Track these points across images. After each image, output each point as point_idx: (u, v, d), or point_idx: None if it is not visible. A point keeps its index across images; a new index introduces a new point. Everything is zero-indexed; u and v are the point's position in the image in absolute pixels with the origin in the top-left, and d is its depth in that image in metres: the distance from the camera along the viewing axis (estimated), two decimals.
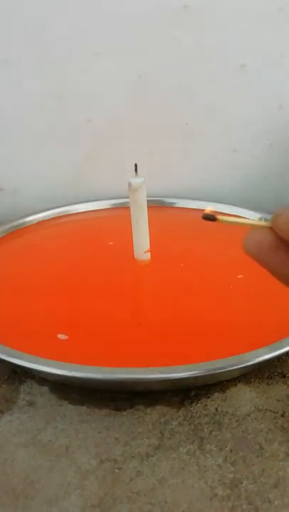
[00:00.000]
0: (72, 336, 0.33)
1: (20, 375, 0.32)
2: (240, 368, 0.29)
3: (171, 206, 0.55)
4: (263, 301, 0.37)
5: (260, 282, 0.39)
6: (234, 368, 0.28)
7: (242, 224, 0.20)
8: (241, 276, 0.39)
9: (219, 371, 0.28)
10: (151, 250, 0.41)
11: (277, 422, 0.28)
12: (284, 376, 0.32)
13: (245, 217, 0.16)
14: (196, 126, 0.55)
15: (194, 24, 0.52)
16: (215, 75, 0.52)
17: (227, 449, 0.27)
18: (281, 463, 0.26)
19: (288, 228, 0.17)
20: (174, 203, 0.55)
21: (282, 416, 0.29)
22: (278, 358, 0.32)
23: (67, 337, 0.33)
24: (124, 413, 0.29)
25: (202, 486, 0.25)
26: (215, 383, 0.31)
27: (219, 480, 0.25)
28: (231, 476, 0.25)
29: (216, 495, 0.24)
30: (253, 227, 0.19)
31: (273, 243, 0.18)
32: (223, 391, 0.31)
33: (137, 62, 0.53)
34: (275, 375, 0.32)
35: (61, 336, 0.33)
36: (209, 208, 0.22)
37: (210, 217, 0.21)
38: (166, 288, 0.39)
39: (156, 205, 0.55)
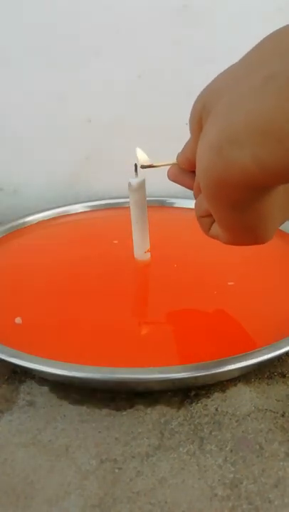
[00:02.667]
0: (71, 336, 0.34)
1: (20, 375, 0.32)
2: (240, 367, 0.29)
3: (171, 206, 0.55)
4: (263, 300, 0.37)
5: (260, 282, 0.40)
6: (234, 367, 0.28)
7: (167, 164, 0.32)
8: (232, 283, 0.39)
9: (219, 371, 0.28)
10: (151, 250, 0.41)
11: (277, 422, 0.28)
12: (284, 376, 0.32)
13: (169, 161, 0.32)
14: None
15: (194, 24, 0.52)
16: (215, 74, 0.52)
17: (227, 449, 0.27)
18: (281, 463, 0.26)
19: (181, 161, 0.30)
20: (174, 203, 0.55)
21: (282, 416, 0.29)
22: (278, 358, 0.32)
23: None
24: (124, 413, 0.29)
25: (202, 486, 0.25)
26: (215, 383, 0.31)
27: (219, 480, 0.25)
28: (231, 476, 0.25)
29: (216, 495, 0.24)
30: (171, 165, 0.32)
31: (179, 171, 0.31)
32: (223, 391, 0.31)
33: (137, 62, 0.53)
34: (275, 375, 0.32)
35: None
36: (144, 159, 0.35)
37: (148, 166, 0.35)
38: (166, 288, 0.39)
39: (156, 205, 0.55)
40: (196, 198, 0.30)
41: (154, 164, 0.34)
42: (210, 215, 0.29)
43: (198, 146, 0.23)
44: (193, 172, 0.30)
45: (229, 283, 0.39)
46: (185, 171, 0.31)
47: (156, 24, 0.52)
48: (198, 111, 0.24)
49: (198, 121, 0.25)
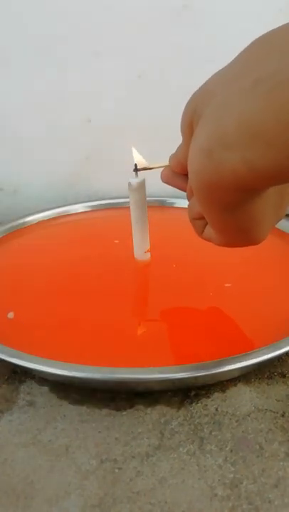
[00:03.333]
0: (71, 336, 0.34)
1: (20, 375, 0.32)
2: (240, 367, 0.29)
3: (171, 206, 0.55)
4: (263, 300, 0.37)
5: (260, 281, 0.40)
6: (234, 367, 0.28)
7: (161, 166, 0.33)
8: (232, 283, 0.39)
9: (219, 371, 0.28)
10: (151, 250, 0.41)
11: (277, 422, 0.28)
12: (284, 376, 0.32)
13: (163, 163, 0.32)
14: None
15: (194, 24, 0.52)
16: None
17: (227, 449, 0.27)
18: (281, 463, 0.26)
19: (174, 164, 0.31)
20: (174, 203, 0.55)
21: (282, 416, 0.29)
22: (278, 358, 0.32)
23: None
24: (124, 413, 0.29)
25: (202, 486, 0.25)
26: (215, 383, 0.31)
27: (219, 480, 0.25)
28: (231, 476, 0.25)
29: (216, 495, 0.24)
30: (164, 167, 0.32)
31: (172, 173, 0.32)
32: (223, 391, 0.31)
33: (137, 62, 0.53)
34: (275, 375, 0.32)
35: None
36: (140, 161, 0.36)
37: (142, 169, 0.36)
38: (166, 288, 0.39)
39: (156, 205, 0.55)
40: (189, 201, 0.30)
41: (149, 166, 0.35)
42: (203, 218, 0.29)
43: (190, 149, 0.23)
44: (186, 175, 0.30)
45: (229, 283, 0.39)
46: (178, 174, 0.31)
47: (156, 24, 0.52)
48: (189, 114, 0.24)
49: (190, 124, 0.25)
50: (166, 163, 0.32)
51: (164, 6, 0.51)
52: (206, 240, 0.30)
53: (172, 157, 0.31)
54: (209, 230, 0.29)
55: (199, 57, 0.52)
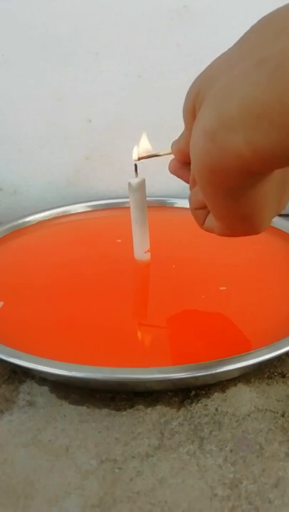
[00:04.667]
0: (71, 336, 0.34)
1: (20, 375, 0.32)
2: (240, 367, 0.29)
3: (171, 206, 0.55)
4: (263, 300, 0.37)
5: (261, 281, 0.40)
6: (234, 367, 0.28)
7: (165, 154, 0.33)
8: (233, 283, 0.39)
9: (219, 371, 0.28)
10: (151, 250, 0.41)
11: (277, 422, 0.28)
12: (284, 376, 0.32)
13: (166, 150, 0.32)
14: None
15: (194, 24, 0.52)
16: None
17: (227, 449, 0.27)
18: (281, 463, 0.26)
19: (175, 151, 0.31)
20: (175, 203, 0.55)
21: (282, 416, 0.29)
22: (278, 358, 0.32)
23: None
24: (124, 413, 0.29)
25: (202, 486, 0.25)
26: (215, 383, 0.31)
27: (219, 480, 0.25)
28: (231, 476, 0.25)
29: (216, 495, 0.24)
30: (166, 155, 0.32)
31: (180, 165, 0.31)
32: (223, 391, 0.31)
33: (137, 62, 0.53)
34: (275, 375, 0.32)
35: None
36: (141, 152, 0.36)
37: (144, 157, 0.35)
38: (166, 288, 0.39)
39: (156, 205, 0.55)
40: (191, 190, 0.30)
41: (150, 154, 0.35)
42: (204, 207, 0.29)
43: (192, 133, 0.23)
44: (190, 163, 0.30)
45: (229, 283, 0.39)
46: (186, 165, 0.31)
47: (157, 24, 0.52)
48: (192, 99, 0.24)
49: (192, 110, 0.24)
50: (168, 150, 0.32)
51: (164, 6, 0.51)
52: (207, 230, 0.30)
53: (174, 144, 0.31)
54: (210, 220, 0.29)
55: (199, 57, 0.52)
